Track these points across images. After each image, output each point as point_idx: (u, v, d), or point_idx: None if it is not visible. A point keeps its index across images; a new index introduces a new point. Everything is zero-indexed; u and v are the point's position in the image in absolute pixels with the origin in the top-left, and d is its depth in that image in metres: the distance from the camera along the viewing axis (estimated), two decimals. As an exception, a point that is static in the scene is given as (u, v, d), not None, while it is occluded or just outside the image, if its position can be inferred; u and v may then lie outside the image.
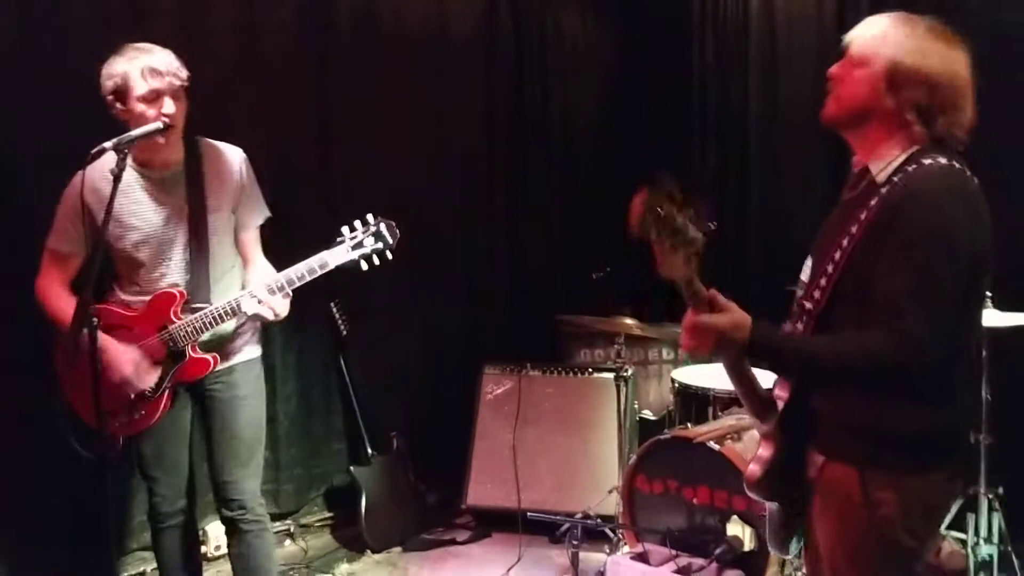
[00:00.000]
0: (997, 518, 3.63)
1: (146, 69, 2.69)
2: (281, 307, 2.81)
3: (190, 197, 2.84)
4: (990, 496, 3.61)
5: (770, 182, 5.16)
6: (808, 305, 2.03)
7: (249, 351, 3.05)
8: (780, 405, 2.06)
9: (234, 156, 2.96)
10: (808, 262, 2.16)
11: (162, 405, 2.87)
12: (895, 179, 1.93)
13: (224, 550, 4.04)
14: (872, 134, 2.00)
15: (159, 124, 2.68)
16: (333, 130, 4.56)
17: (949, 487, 2.03)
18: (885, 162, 1.98)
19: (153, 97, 2.70)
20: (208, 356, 2.87)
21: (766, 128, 5.14)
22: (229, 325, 2.91)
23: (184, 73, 2.77)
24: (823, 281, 1.99)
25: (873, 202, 1.93)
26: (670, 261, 1.79)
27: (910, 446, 1.96)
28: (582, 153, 5.72)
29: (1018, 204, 3.79)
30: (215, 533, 4.07)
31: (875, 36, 1.98)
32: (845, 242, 1.95)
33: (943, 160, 1.93)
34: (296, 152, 4.37)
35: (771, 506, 2.17)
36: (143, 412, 2.87)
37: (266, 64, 4.25)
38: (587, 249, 5.27)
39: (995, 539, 3.63)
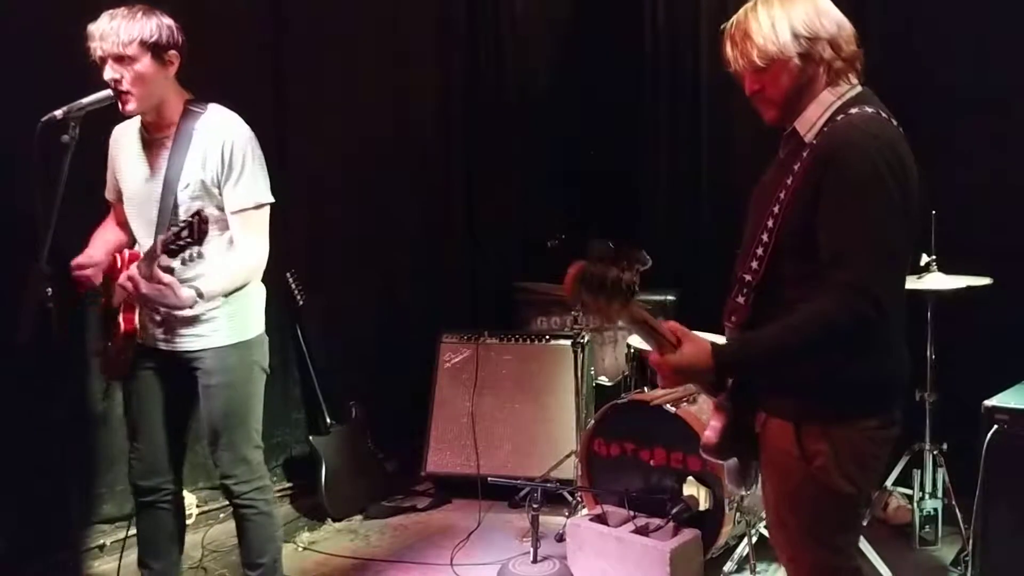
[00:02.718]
0: (941, 473, 3.75)
1: (87, 33, 2.65)
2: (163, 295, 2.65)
3: (169, 164, 2.77)
4: (935, 452, 3.73)
5: (722, 144, 5.20)
6: (747, 277, 2.07)
7: (224, 336, 2.88)
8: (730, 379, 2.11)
9: (221, 132, 2.78)
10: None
11: (115, 361, 2.87)
12: (825, 130, 2.02)
13: (195, 518, 4.07)
14: (804, 104, 2.08)
15: (109, 92, 2.62)
16: (287, 99, 4.51)
17: (883, 434, 2.07)
18: (813, 119, 2.06)
19: (98, 62, 2.66)
20: (122, 319, 2.80)
21: (718, 88, 5.17)
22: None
23: (127, 37, 2.61)
24: (760, 251, 2.03)
25: (803, 158, 2.00)
26: (607, 314, 1.84)
27: (838, 397, 2.02)
28: (537, 119, 5.70)
29: (963, 174, 3.92)
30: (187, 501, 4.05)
31: (760, 41, 2.04)
32: (777, 209, 2.01)
33: (867, 109, 2.01)
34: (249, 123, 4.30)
35: (730, 462, 2.25)
36: (105, 360, 2.91)
37: (220, 23, 4.15)
38: (543, 216, 5.30)
39: (939, 494, 3.75)
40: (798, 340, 1.94)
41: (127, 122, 2.90)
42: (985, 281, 3.51)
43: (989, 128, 3.98)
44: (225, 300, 2.85)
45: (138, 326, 2.82)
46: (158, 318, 2.85)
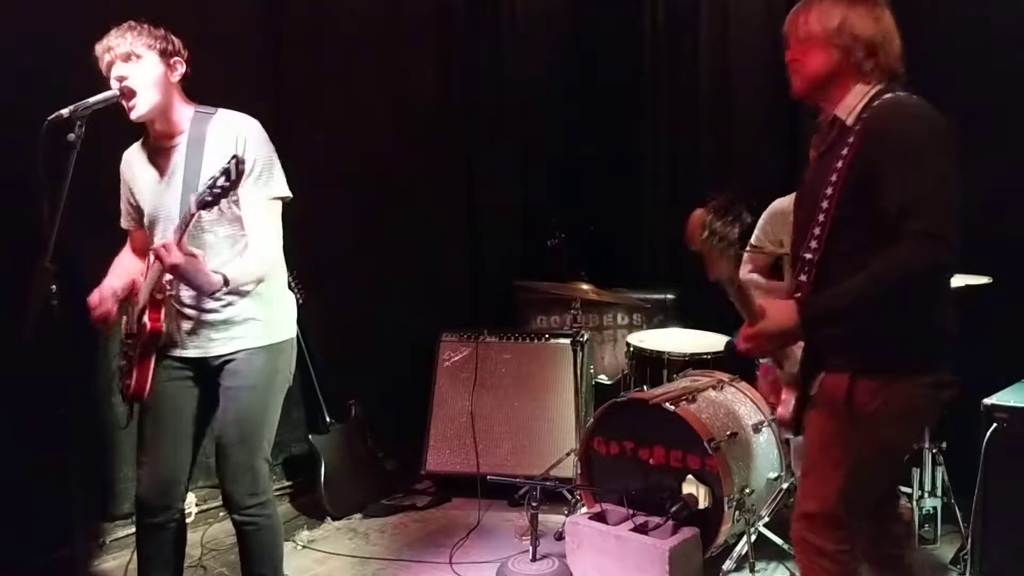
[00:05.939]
0: (941, 472, 3.75)
1: (95, 52, 2.67)
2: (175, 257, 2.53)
3: (186, 166, 2.75)
4: (934, 451, 3.73)
5: (723, 144, 5.20)
6: (808, 256, 2.21)
7: (256, 338, 2.84)
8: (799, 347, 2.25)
9: (234, 128, 2.76)
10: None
11: (138, 374, 2.78)
12: (865, 115, 2.15)
13: (194, 516, 4.08)
14: (837, 90, 2.24)
15: (115, 91, 2.62)
16: (287, 100, 4.51)
17: (934, 393, 2.19)
18: (852, 106, 2.21)
19: (105, 71, 2.68)
20: (148, 317, 2.73)
21: (718, 86, 5.18)
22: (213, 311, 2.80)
23: (133, 39, 2.64)
24: (817, 231, 2.18)
25: (851, 140, 2.14)
26: (719, 266, 2.00)
27: (896, 350, 2.14)
28: (537, 118, 5.72)
29: (963, 172, 3.92)
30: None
31: (810, 17, 2.25)
32: (830, 190, 2.14)
33: (902, 92, 2.17)
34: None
35: (798, 439, 2.41)
36: (131, 379, 2.81)
37: (222, 27, 4.15)
38: (543, 216, 5.29)
39: (939, 492, 3.76)
40: (881, 287, 2.04)
41: (134, 145, 2.89)
42: (984, 280, 3.52)
43: (989, 127, 3.99)
44: (258, 302, 2.82)
45: (164, 326, 2.75)
46: (187, 325, 2.80)
